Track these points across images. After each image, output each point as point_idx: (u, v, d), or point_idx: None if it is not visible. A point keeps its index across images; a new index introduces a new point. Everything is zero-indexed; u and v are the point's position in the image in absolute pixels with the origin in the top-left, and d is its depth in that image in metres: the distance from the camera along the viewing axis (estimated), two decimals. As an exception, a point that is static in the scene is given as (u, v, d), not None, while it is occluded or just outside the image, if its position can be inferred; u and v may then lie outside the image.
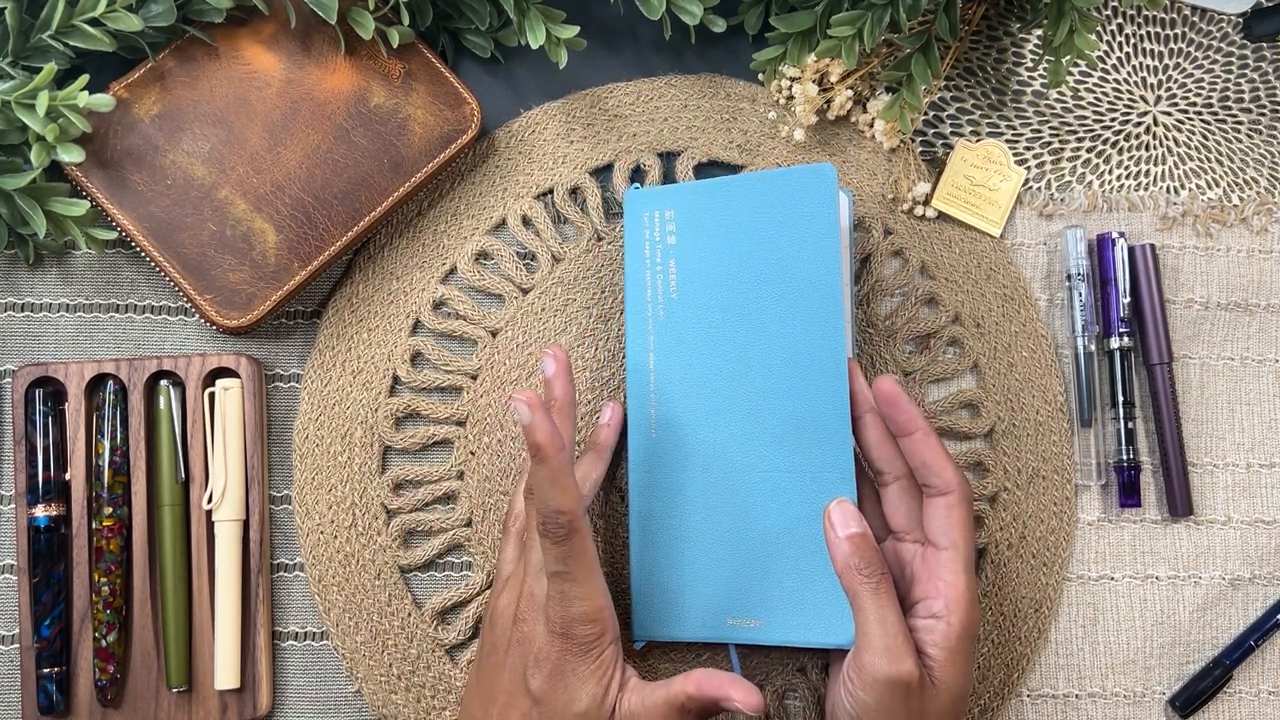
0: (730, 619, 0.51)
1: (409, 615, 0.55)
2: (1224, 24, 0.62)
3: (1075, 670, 0.57)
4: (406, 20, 0.54)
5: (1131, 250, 0.58)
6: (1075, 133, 0.60)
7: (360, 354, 0.56)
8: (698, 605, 0.51)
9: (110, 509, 0.52)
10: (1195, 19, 0.62)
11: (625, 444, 0.54)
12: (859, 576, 0.45)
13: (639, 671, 0.47)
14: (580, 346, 0.56)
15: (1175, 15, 0.62)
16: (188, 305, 0.56)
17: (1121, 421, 0.57)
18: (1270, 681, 0.57)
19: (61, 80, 0.51)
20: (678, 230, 0.54)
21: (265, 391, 0.56)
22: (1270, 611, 0.57)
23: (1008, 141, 0.60)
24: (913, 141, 0.59)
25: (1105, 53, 0.61)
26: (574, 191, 0.58)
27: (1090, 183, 0.60)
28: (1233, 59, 0.62)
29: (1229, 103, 0.61)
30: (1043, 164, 0.60)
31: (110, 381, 0.54)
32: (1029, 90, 0.61)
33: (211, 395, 0.54)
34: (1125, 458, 0.57)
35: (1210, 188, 0.60)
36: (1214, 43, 0.62)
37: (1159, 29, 0.61)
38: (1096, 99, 0.61)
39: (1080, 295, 0.58)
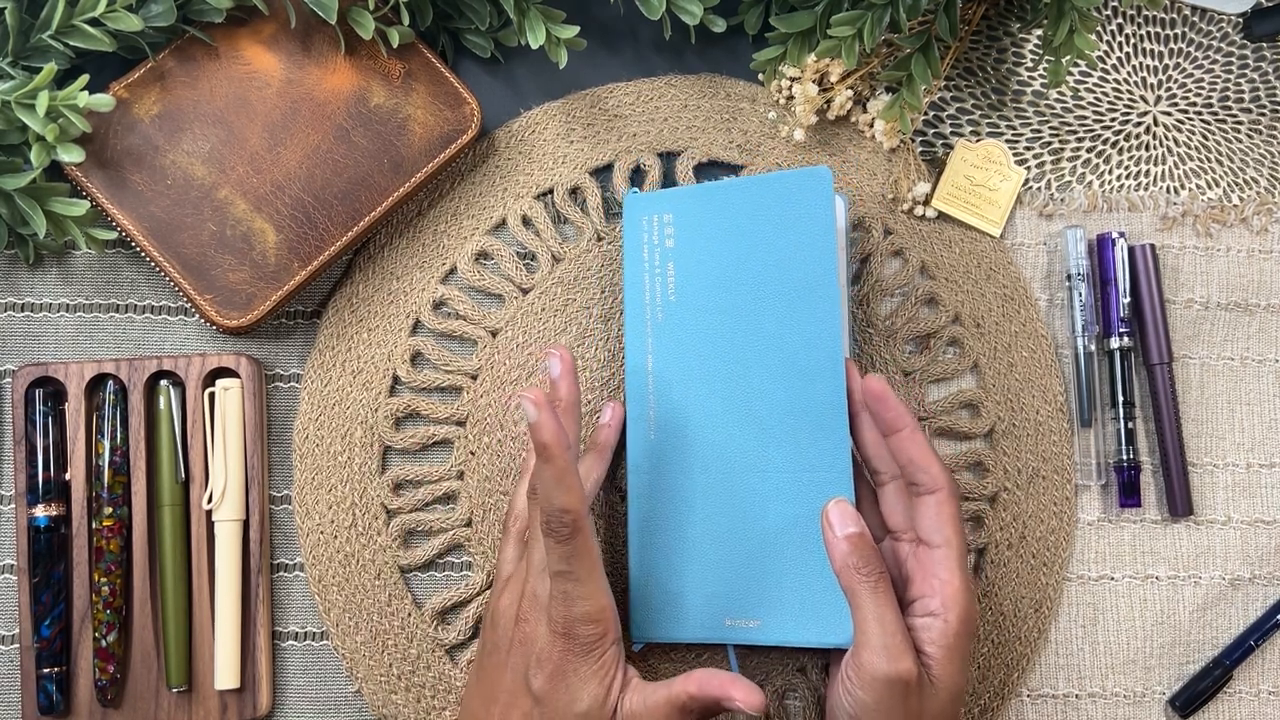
0: (729, 619, 0.51)
1: (409, 615, 0.55)
2: (1224, 24, 0.62)
3: (1075, 670, 0.57)
4: (406, 20, 0.54)
5: (1131, 250, 0.58)
6: (1075, 133, 0.60)
7: (360, 354, 0.56)
8: (697, 606, 0.51)
9: (110, 509, 0.52)
10: (1195, 19, 0.62)
11: (624, 445, 0.54)
12: (857, 575, 0.45)
13: (639, 672, 0.47)
14: (580, 346, 0.56)
15: (1175, 15, 0.62)
16: (188, 305, 0.56)
17: (1121, 421, 0.57)
18: (1270, 681, 0.57)
19: (61, 80, 0.51)
20: (676, 233, 0.54)
21: (265, 391, 0.56)
22: (1270, 611, 0.57)
23: (1008, 141, 0.60)
24: (913, 141, 0.59)
25: (1105, 53, 0.61)
26: (574, 191, 0.58)
27: (1090, 183, 0.60)
28: (1233, 59, 0.62)
29: (1229, 103, 0.61)
30: (1043, 164, 0.60)
31: (110, 381, 0.54)
32: (1029, 90, 0.61)
33: (211, 395, 0.54)
34: (1125, 458, 0.57)
35: (1210, 188, 0.60)
36: (1214, 43, 0.62)
37: (1159, 29, 0.61)
38: (1096, 99, 0.61)
39: (1080, 295, 0.58)
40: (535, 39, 0.53)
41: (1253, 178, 0.60)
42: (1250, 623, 0.57)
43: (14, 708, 0.53)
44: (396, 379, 0.56)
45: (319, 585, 0.55)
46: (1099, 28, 0.61)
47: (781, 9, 0.57)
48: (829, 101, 0.58)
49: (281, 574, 0.55)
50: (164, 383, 0.54)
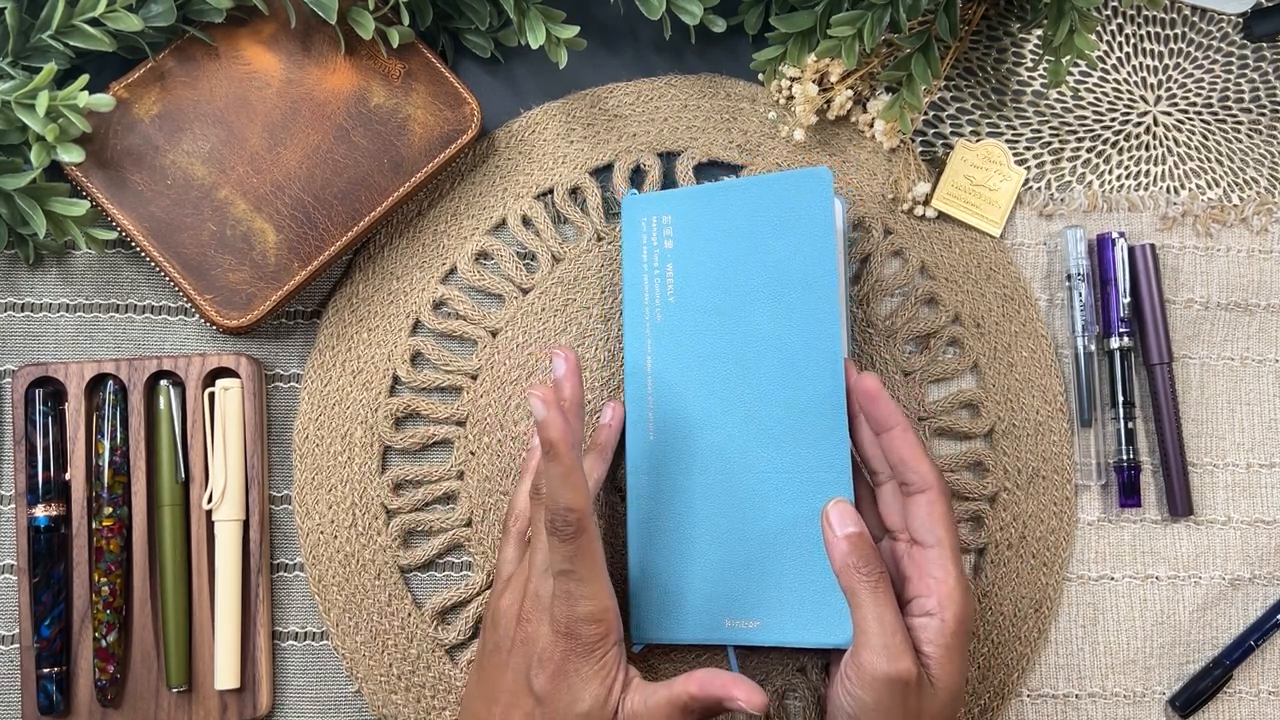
0: (729, 620, 0.51)
1: (409, 615, 0.55)
2: (1224, 24, 0.62)
3: (1075, 670, 0.57)
4: (406, 20, 0.54)
5: (1131, 250, 0.58)
6: (1075, 133, 0.60)
7: (360, 354, 0.56)
8: (696, 607, 0.51)
9: (110, 509, 0.52)
10: (1195, 19, 0.62)
11: (624, 445, 0.54)
12: (857, 575, 0.45)
13: (639, 673, 0.47)
14: (580, 346, 0.56)
15: (1175, 15, 0.62)
16: (188, 305, 0.56)
17: (1121, 421, 0.57)
18: (1270, 681, 0.57)
19: (61, 80, 0.51)
20: (675, 235, 0.54)
21: (265, 391, 0.56)
22: (1270, 611, 0.57)
23: (1008, 141, 0.60)
24: (913, 141, 0.59)
25: (1105, 53, 0.61)
26: (574, 191, 0.58)
27: (1090, 183, 0.60)
28: (1233, 59, 0.62)
29: (1229, 103, 0.61)
30: (1043, 164, 0.60)
31: (110, 381, 0.54)
32: (1029, 90, 0.61)
33: (211, 395, 0.54)
34: (1125, 458, 0.57)
35: (1210, 188, 0.60)
36: (1214, 43, 0.62)
37: (1159, 29, 0.61)
38: (1096, 99, 0.61)
39: (1080, 295, 0.58)
40: (535, 39, 0.53)
41: (1253, 178, 0.60)
42: (1250, 623, 0.57)
43: (14, 708, 0.53)
44: (396, 379, 0.56)
45: (319, 585, 0.55)
46: (1099, 28, 0.61)
47: (781, 9, 0.57)
48: (829, 101, 0.58)
49: (281, 574, 0.55)
50: (164, 383, 0.54)
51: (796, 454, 0.50)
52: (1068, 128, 0.60)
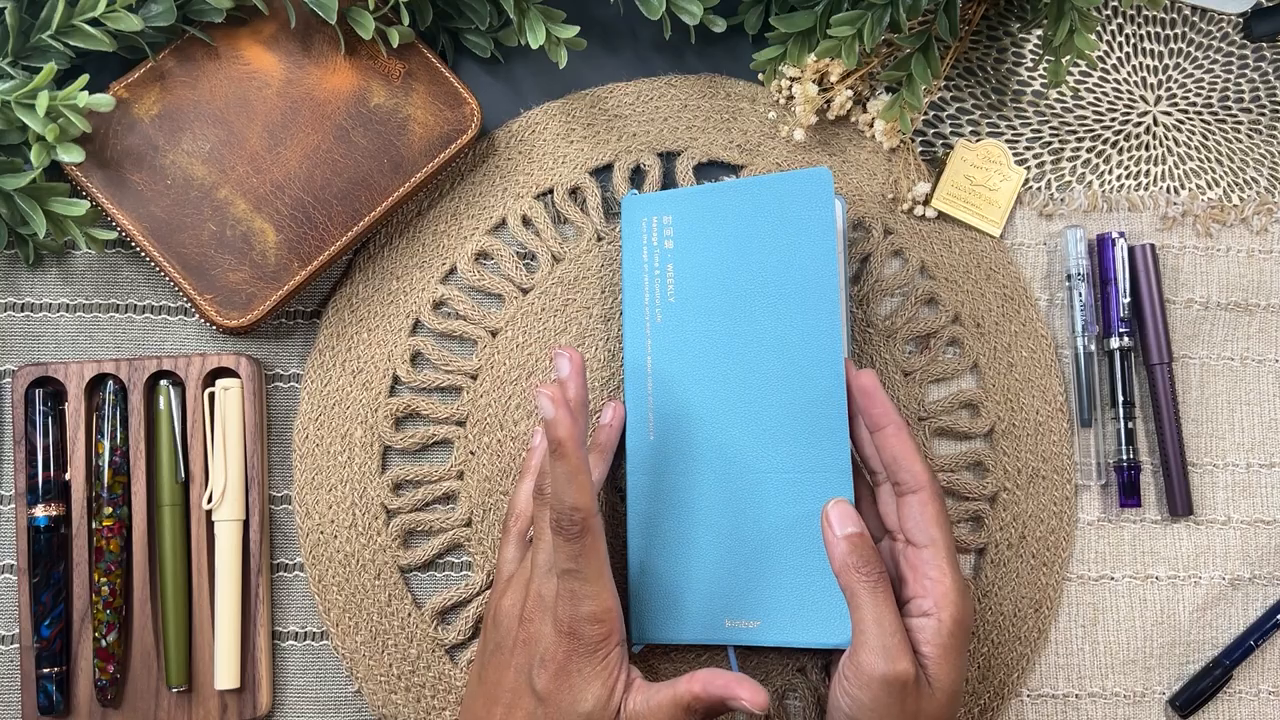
0: (729, 620, 0.51)
1: (409, 615, 0.55)
2: (1224, 24, 0.62)
3: (1075, 670, 0.57)
4: (406, 20, 0.54)
5: (1131, 250, 0.58)
6: (1075, 133, 0.60)
7: (360, 354, 0.56)
8: (696, 607, 0.51)
9: (110, 509, 0.52)
10: (1195, 19, 0.62)
11: (624, 446, 0.54)
12: (856, 575, 0.45)
13: (641, 673, 0.47)
14: (580, 346, 0.56)
15: (1175, 15, 0.62)
16: (188, 305, 0.56)
17: (1121, 421, 0.57)
18: (1270, 681, 0.57)
19: (61, 80, 0.51)
20: (675, 235, 0.54)
21: (265, 391, 0.56)
22: (1270, 611, 0.57)
23: (1008, 141, 0.60)
24: (913, 141, 0.59)
25: (1105, 53, 0.61)
26: (574, 191, 0.58)
27: (1090, 183, 0.60)
28: (1233, 59, 0.62)
29: (1229, 103, 0.61)
30: (1043, 164, 0.60)
31: (110, 381, 0.54)
32: (1029, 90, 0.61)
33: (211, 395, 0.54)
34: (1125, 458, 0.57)
35: (1210, 188, 0.60)
36: (1214, 43, 0.62)
37: (1159, 29, 0.61)
38: (1096, 99, 0.61)
39: (1080, 295, 0.58)
40: (535, 39, 0.53)
41: (1253, 178, 0.60)
42: (1250, 623, 0.57)
43: (14, 708, 0.53)
44: (396, 379, 0.56)
45: (319, 585, 0.55)
46: (1099, 28, 0.61)
47: (781, 9, 0.57)
48: (829, 101, 0.58)
49: (281, 574, 0.55)
50: (164, 383, 0.54)
51: (797, 454, 0.50)
52: (1068, 128, 0.60)
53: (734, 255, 0.53)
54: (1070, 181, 0.60)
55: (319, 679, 0.55)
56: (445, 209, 0.58)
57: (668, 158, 0.59)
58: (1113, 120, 0.60)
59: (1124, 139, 0.60)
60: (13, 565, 0.54)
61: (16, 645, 0.53)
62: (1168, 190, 0.60)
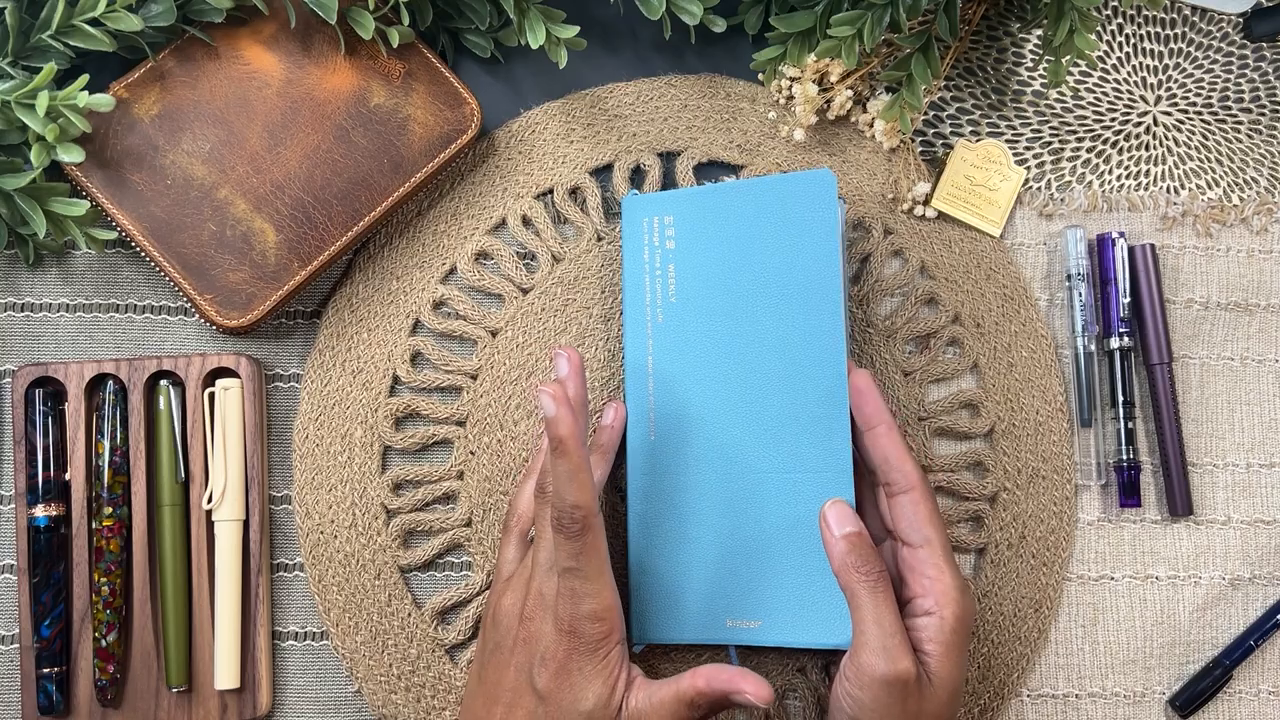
0: (730, 620, 0.51)
1: (409, 615, 0.55)
2: (1224, 24, 0.62)
3: (1075, 670, 0.57)
4: (406, 20, 0.54)
5: (1131, 250, 0.58)
6: (1075, 133, 0.60)
7: (360, 354, 0.56)
8: (697, 607, 0.51)
9: (110, 509, 0.52)
10: (1195, 19, 0.62)
11: (625, 446, 0.54)
12: (856, 575, 0.45)
13: (642, 671, 0.47)
14: (580, 346, 0.56)
15: (1175, 15, 0.62)
16: (188, 305, 0.56)
17: (1121, 421, 0.57)
18: (1270, 681, 0.57)
19: (61, 80, 0.51)
20: (676, 235, 0.54)
21: (265, 391, 0.56)
22: (1270, 611, 0.57)
23: (1008, 141, 0.60)
24: (913, 141, 0.59)
25: (1105, 53, 0.61)
26: (574, 191, 0.58)
27: (1090, 183, 0.60)
28: (1233, 59, 0.62)
29: (1229, 103, 0.61)
30: (1043, 164, 0.60)
31: (110, 381, 0.54)
32: (1029, 90, 0.61)
33: (211, 395, 0.54)
34: (1125, 458, 0.57)
35: (1210, 188, 0.60)
36: (1214, 43, 0.62)
37: (1159, 29, 0.61)
38: (1096, 99, 0.61)
39: (1080, 295, 0.58)
40: (535, 39, 0.53)
41: (1253, 178, 0.60)
42: (1250, 623, 0.57)
43: (14, 708, 0.53)
44: (396, 379, 0.56)
45: (319, 585, 0.55)
46: (1099, 28, 0.61)
47: (781, 9, 0.57)
48: (829, 101, 0.58)
49: (281, 574, 0.55)
50: (164, 383, 0.54)
51: (798, 454, 0.50)
52: (1068, 128, 0.60)
53: (736, 256, 0.53)
54: (1070, 181, 0.60)
55: (319, 679, 0.55)
56: (445, 209, 0.58)
57: (668, 158, 0.59)
58: (1113, 120, 0.60)
59: (1124, 139, 0.60)
60: (13, 565, 0.54)
61: (16, 645, 0.53)
62: (1168, 190, 0.60)
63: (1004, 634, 0.56)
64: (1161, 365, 0.57)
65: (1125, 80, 0.61)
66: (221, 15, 0.53)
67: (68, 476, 0.53)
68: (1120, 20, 0.61)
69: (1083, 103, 0.61)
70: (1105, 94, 0.61)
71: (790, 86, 0.57)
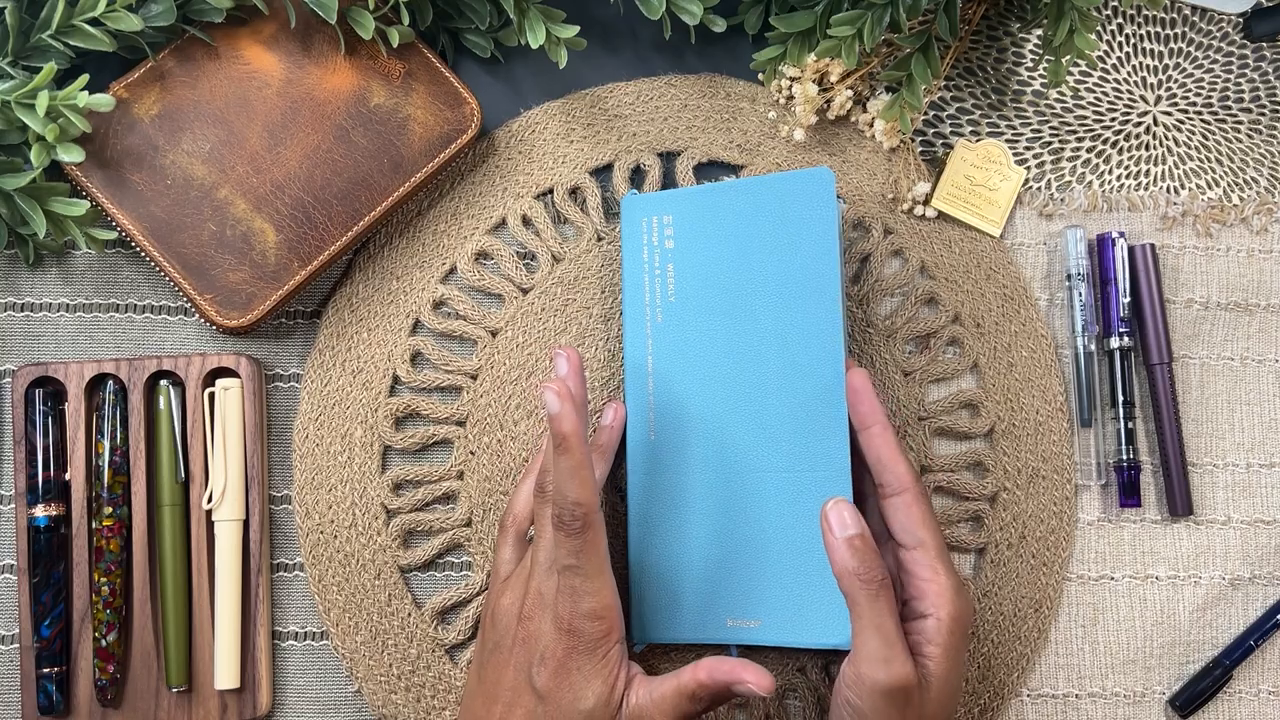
0: (730, 620, 0.51)
1: (409, 615, 0.55)
2: (1224, 24, 0.62)
3: (1075, 670, 0.57)
4: (406, 20, 0.54)
5: (1131, 250, 0.58)
6: (1075, 133, 0.60)
7: (360, 354, 0.56)
8: (697, 606, 0.51)
9: (110, 509, 0.52)
10: (1195, 19, 0.62)
11: (624, 446, 0.54)
12: (857, 582, 0.44)
13: (642, 669, 0.47)
14: (580, 346, 0.56)
15: (1175, 15, 0.62)
16: (188, 305, 0.56)
17: (1121, 421, 0.57)
18: (1270, 681, 0.57)
19: (61, 80, 0.51)
20: (676, 235, 0.54)
21: (265, 391, 0.56)
22: (1270, 611, 0.57)
23: (1008, 141, 0.60)
24: (913, 141, 0.59)
25: (1105, 53, 0.61)
26: (574, 191, 0.58)
27: (1090, 183, 0.60)
28: (1233, 59, 0.62)
29: (1229, 103, 0.61)
30: (1043, 164, 0.60)
31: (110, 381, 0.54)
32: (1029, 90, 0.61)
33: (211, 395, 0.54)
34: (1125, 458, 0.57)
35: (1210, 188, 0.60)
36: (1214, 43, 0.62)
37: (1159, 29, 0.61)
38: (1096, 99, 0.61)
39: (1080, 295, 0.58)
40: (535, 39, 0.53)
41: (1253, 178, 0.60)
42: (1250, 623, 0.57)
43: (14, 708, 0.53)
44: (396, 379, 0.56)
45: (319, 585, 0.55)
46: (1099, 28, 0.61)
47: (781, 9, 0.57)
48: (829, 101, 0.58)
49: (281, 574, 0.55)
50: (164, 383, 0.54)
51: (797, 453, 0.50)
52: (1068, 128, 0.60)
53: (735, 255, 0.53)
54: (1070, 181, 0.60)
55: (319, 679, 0.55)
56: (445, 209, 0.58)
57: (668, 158, 0.59)
58: (1113, 120, 0.60)
59: (1124, 139, 0.60)
60: (13, 565, 0.54)
61: (16, 645, 0.53)
62: (1168, 190, 0.60)
63: (1004, 634, 0.56)
64: (1161, 365, 0.57)
65: (1125, 80, 0.61)
66: (221, 15, 0.53)
67: (68, 476, 0.53)
68: (1120, 20, 0.61)
69: (1083, 103, 0.61)
70: (1105, 94, 0.61)
71: (790, 86, 0.57)
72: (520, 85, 0.59)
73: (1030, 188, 0.60)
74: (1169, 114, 0.61)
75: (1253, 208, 0.60)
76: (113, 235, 0.52)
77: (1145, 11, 0.61)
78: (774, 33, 0.56)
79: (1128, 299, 0.58)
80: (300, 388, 0.56)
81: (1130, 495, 0.57)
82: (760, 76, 0.59)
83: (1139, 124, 0.61)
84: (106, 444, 0.53)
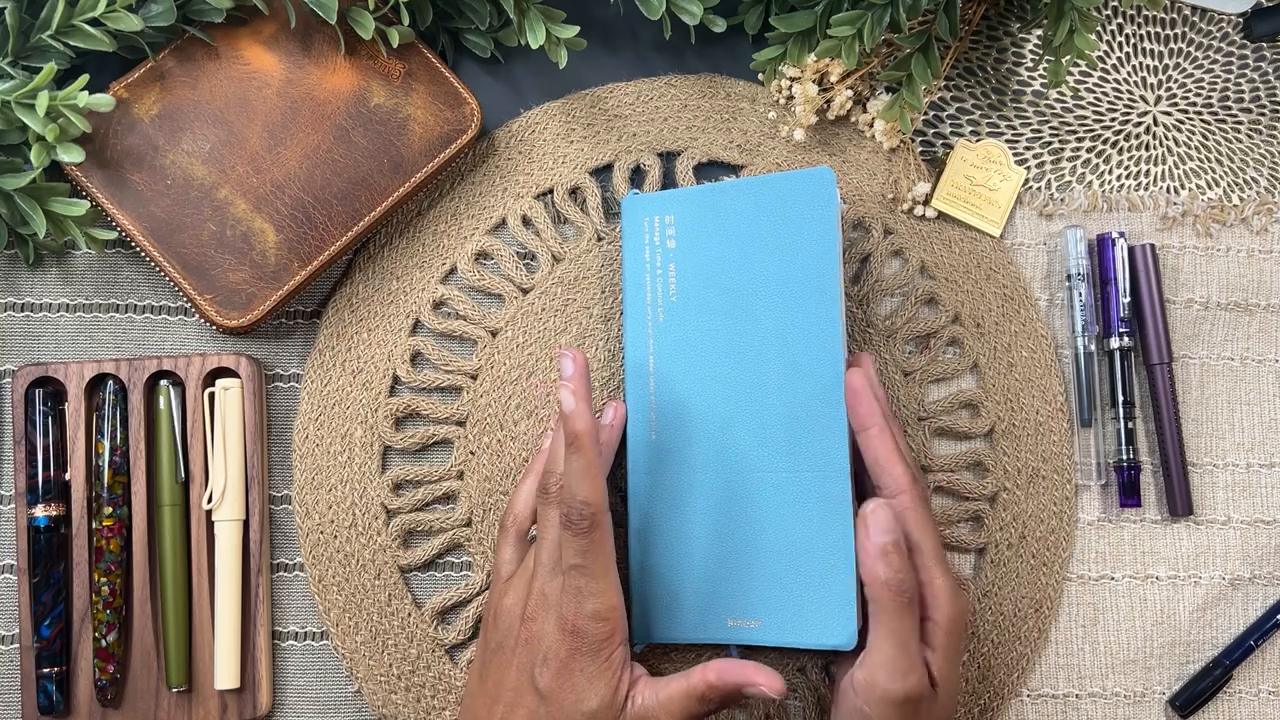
0: (731, 620, 0.51)
1: (409, 615, 0.55)
2: (1224, 24, 0.62)
3: (1075, 670, 0.57)
4: (406, 20, 0.54)
5: (1131, 250, 0.58)
6: (1075, 133, 0.60)
7: (360, 354, 0.56)
8: (698, 606, 0.51)
9: (110, 509, 0.52)
10: (1195, 19, 0.62)
11: (625, 446, 0.54)
12: (888, 592, 0.44)
13: (645, 670, 0.47)
14: (581, 346, 0.56)
15: (1175, 15, 0.62)
16: (188, 305, 0.56)
17: (1121, 421, 0.57)
18: (1270, 681, 0.57)
19: (61, 80, 0.51)
20: (677, 234, 0.54)
21: (265, 391, 0.56)
22: (1270, 611, 0.57)
23: (1008, 141, 0.60)
24: (913, 141, 0.59)
25: (1105, 53, 0.61)
26: (574, 191, 0.58)
27: (1090, 183, 0.60)
28: (1233, 59, 0.62)
29: (1229, 103, 0.61)
30: (1043, 164, 0.60)
31: (110, 381, 0.54)
32: (1029, 90, 0.61)
33: (211, 395, 0.54)
34: (1125, 458, 0.57)
35: (1210, 188, 0.60)
36: (1214, 43, 0.62)
37: (1159, 29, 0.61)
38: (1096, 99, 0.61)
39: (1080, 295, 0.58)
40: (535, 39, 0.53)
41: (1253, 178, 0.60)
42: (1250, 623, 0.57)
43: (14, 708, 0.53)
44: (396, 379, 0.56)
45: (319, 585, 0.55)
46: (1099, 28, 0.61)
47: (781, 9, 0.57)
48: (829, 101, 0.58)
49: (281, 574, 0.55)
50: (164, 383, 0.54)
51: (797, 453, 0.50)
52: (1068, 128, 0.60)
53: (736, 255, 0.53)
54: (1070, 181, 0.60)
55: (319, 679, 0.55)
56: (445, 209, 0.58)
57: (668, 158, 0.59)
58: (1113, 120, 0.60)
59: (1124, 139, 0.60)
60: (13, 565, 0.54)
61: (16, 645, 0.53)
62: (1168, 190, 0.60)
63: (1004, 634, 0.56)
64: (1161, 365, 0.58)
65: (1125, 80, 0.61)
66: (221, 15, 0.53)
67: (68, 476, 0.53)
68: (1120, 20, 0.61)
69: (1083, 103, 0.61)
70: (1105, 94, 0.61)
71: (790, 86, 0.57)
72: (520, 85, 0.59)
73: (1030, 188, 0.60)
74: (1169, 114, 0.61)
75: (1253, 208, 0.60)
76: (113, 235, 0.52)
77: (1145, 11, 0.61)
78: (774, 33, 0.56)
79: (1128, 299, 0.58)
80: (300, 388, 0.56)
81: (1130, 495, 0.57)
82: (760, 76, 0.59)
83: (1139, 124, 0.61)
84: (106, 444, 0.53)
